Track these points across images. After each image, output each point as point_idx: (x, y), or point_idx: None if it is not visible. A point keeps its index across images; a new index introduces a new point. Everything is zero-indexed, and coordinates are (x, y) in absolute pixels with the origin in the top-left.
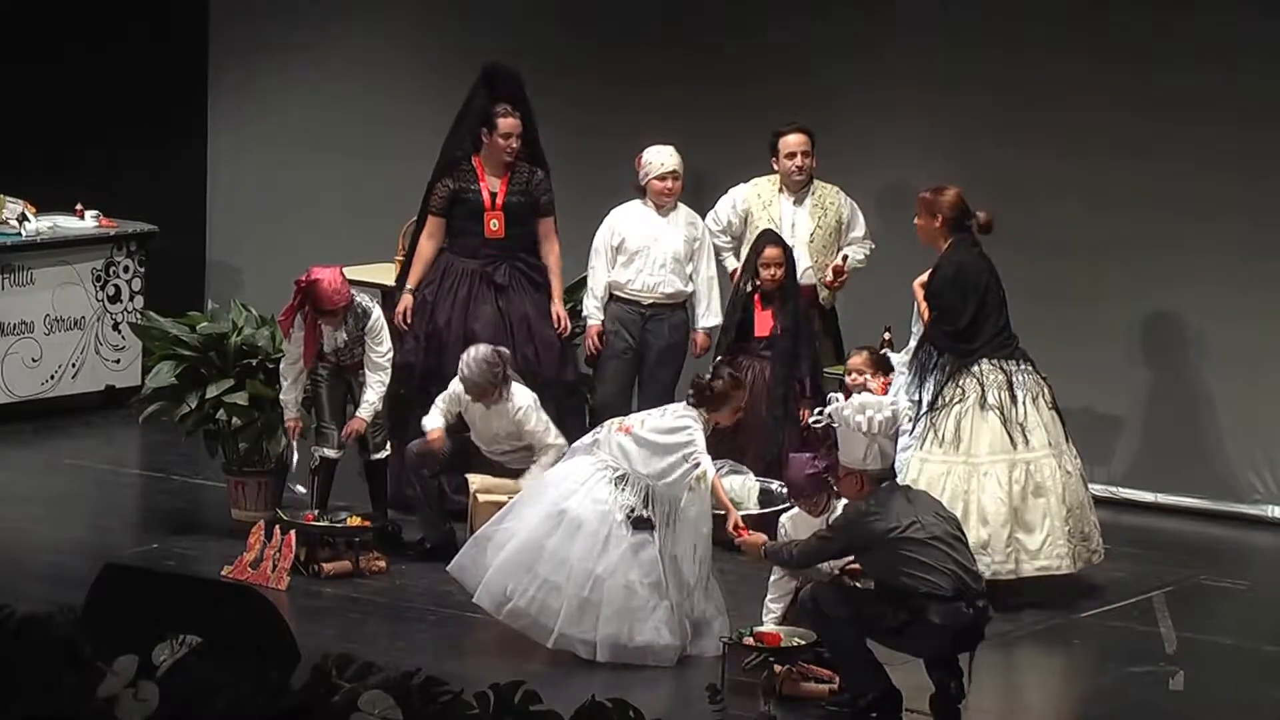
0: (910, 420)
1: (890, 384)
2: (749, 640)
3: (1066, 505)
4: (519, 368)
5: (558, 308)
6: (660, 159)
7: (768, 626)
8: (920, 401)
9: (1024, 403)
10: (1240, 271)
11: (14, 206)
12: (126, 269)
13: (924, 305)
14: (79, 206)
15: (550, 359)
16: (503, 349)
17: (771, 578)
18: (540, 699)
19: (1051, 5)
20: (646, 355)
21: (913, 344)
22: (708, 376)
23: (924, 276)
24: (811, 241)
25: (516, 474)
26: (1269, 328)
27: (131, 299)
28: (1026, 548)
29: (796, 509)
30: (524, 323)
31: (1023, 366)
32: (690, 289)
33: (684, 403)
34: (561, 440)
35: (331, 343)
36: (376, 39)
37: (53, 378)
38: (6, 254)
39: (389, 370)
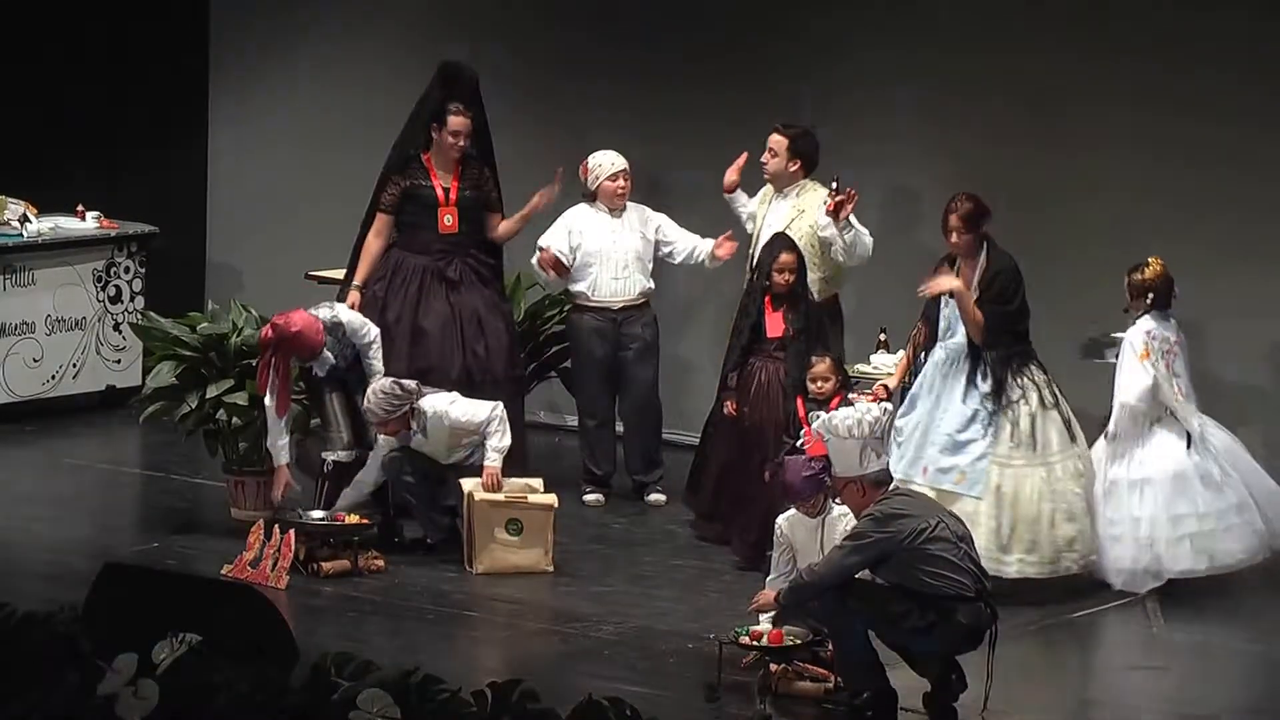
0: (986, 416)
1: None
2: (745, 639)
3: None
4: (468, 364)
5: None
6: (610, 159)
7: (764, 625)
8: (994, 394)
9: (1061, 399)
10: (1238, 271)
11: (15, 207)
12: (127, 270)
13: (975, 311)
14: (80, 207)
15: (500, 355)
16: (407, 382)
17: (769, 578)
18: (538, 697)
19: (1051, 5)
20: (625, 357)
21: (939, 353)
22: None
23: (945, 281)
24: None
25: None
26: (1267, 327)
27: (132, 299)
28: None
29: (793, 510)
30: (474, 318)
31: (1041, 366)
32: (652, 285)
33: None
34: (492, 405)
35: (321, 368)
36: (376, 40)
37: (54, 378)
38: (8, 255)
39: (379, 340)
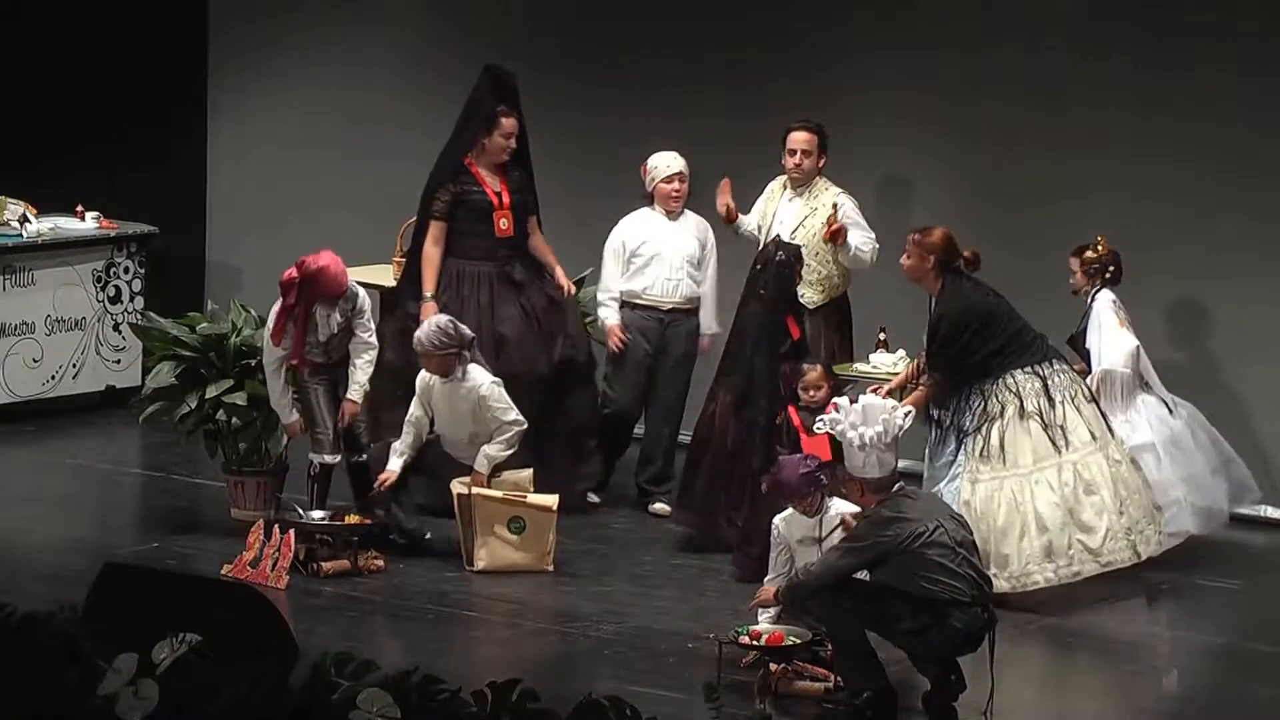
0: (949, 446)
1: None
2: (745, 639)
3: (1120, 496)
4: (553, 359)
5: (562, 277)
6: (665, 162)
7: (764, 625)
8: (960, 436)
9: (1061, 404)
10: (1232, 273)
11: (15, 208)
12: (127, 270)
13: (923, 394)
14: (79, 208)
15: (577, 340)
16: (464, 328)
17: (767, 577)
18: (538, 697)
19: (1051, 5)
20: (664, 361)
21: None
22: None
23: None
24: (792, 237)
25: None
26: (1261, 327)
27: (132, 300)
28: (1088, 547)
29: (790, 509)
30: (545, 313)
31: (1057, 366)
32: (701, 292)
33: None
34: (519, 417)
35: (326, 330)
36: (376, 40)
37: (53, 378)
38: (8, 255)
39: (376, 348)
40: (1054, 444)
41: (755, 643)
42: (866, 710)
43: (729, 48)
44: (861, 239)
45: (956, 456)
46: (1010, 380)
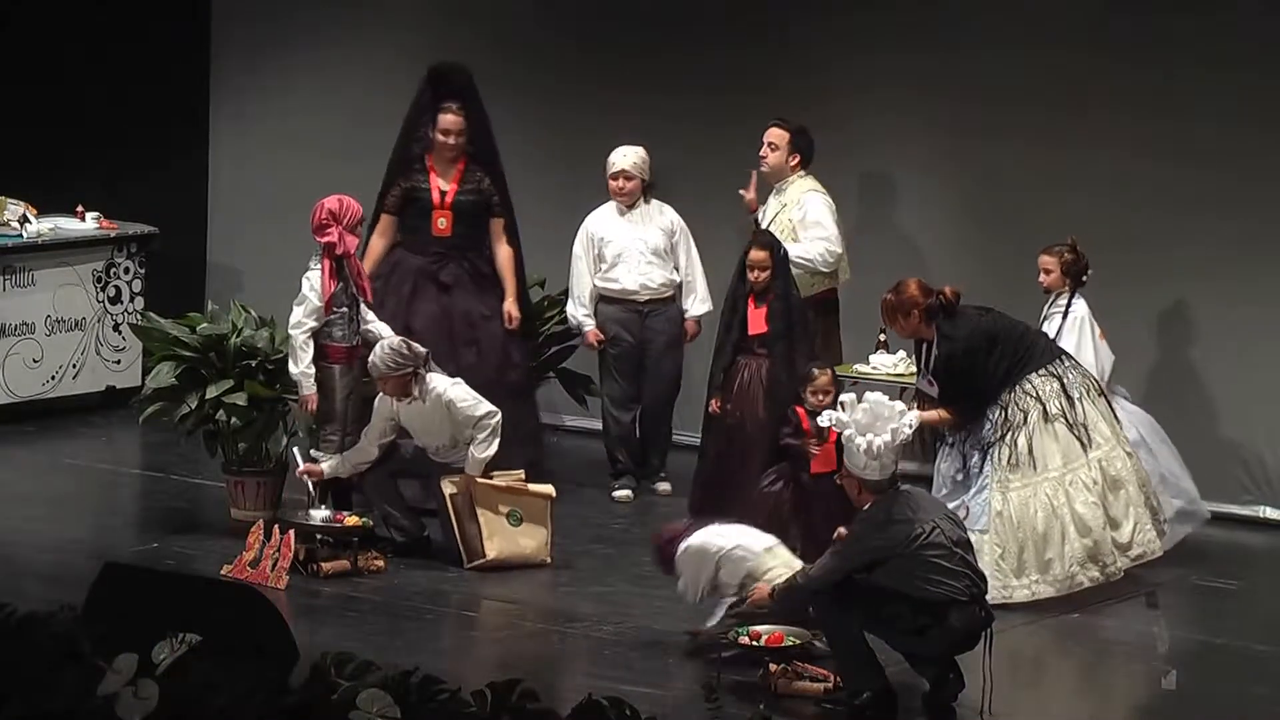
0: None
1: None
2: (745, 639)
3: (1142, 486)
4: (461, 368)
5: (509, 305)
6: (613, 159)
7: (763, 625)
8: (985, 449)
9: (1080, 402)
10: (1230, 273)
11: (15, 208)
12: (127, 270)
13: (939, 417)
14: (80, 208)
15: (493, 359)
16: (417, 346)
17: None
18: (537, 697)
19: (1051, 5)
20: (649, 350)
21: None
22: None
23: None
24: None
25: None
26: (1259, 329)
27: (132, 300)
28: (1118, 543)
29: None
30: (465, 320)
31: (1067, 363)
32: (678, 278)
33: None
34: (492, 408)
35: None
36: (376, 41)
37: (54, 378)
38: (8, 255)
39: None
40: (1081, 443)
41: (755, 643)
42: (866, 710)
43: (729, 49)
44: (798, 251)
45: (982, 468)
46: (1028, 385)
